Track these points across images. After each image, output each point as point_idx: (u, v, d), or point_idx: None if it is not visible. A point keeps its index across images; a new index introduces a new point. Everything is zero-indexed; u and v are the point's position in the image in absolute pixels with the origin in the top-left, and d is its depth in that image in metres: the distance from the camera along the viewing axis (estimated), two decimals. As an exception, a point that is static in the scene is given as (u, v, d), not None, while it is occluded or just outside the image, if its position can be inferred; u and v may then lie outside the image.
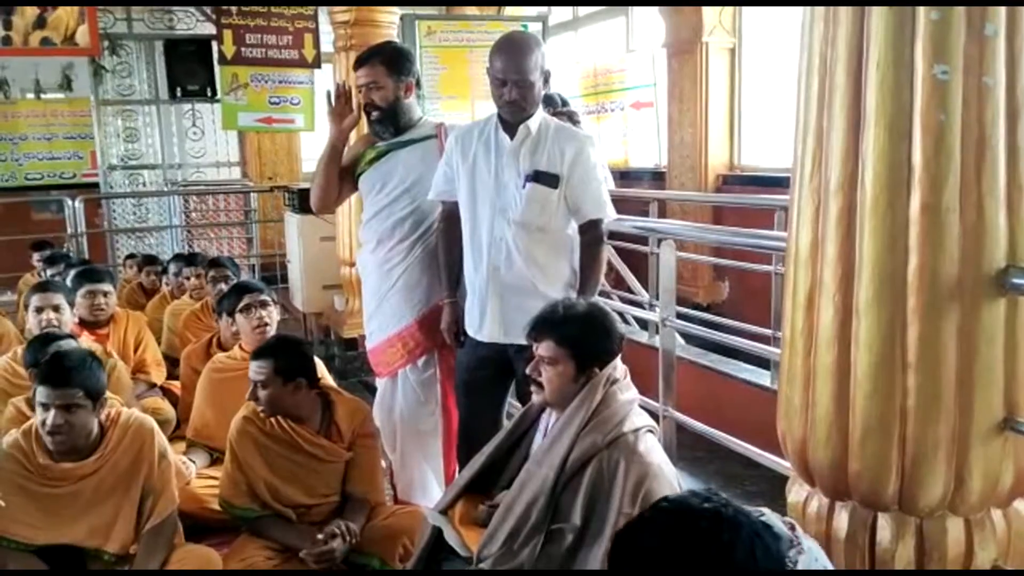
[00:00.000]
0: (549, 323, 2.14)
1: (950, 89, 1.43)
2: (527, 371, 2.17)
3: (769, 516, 1.32)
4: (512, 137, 2.64)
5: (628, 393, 2.14)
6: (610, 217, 2.75)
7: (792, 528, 1.37)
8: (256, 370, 2.68)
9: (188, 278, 4.76)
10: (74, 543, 2.42)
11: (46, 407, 2.35)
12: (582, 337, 2.10)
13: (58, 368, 2.40)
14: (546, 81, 2.64)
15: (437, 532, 2.24)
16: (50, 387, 2.35)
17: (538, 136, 2.65)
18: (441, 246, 2.91)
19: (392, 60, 2.96)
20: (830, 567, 1.39)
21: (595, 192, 2.69)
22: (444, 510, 2.29)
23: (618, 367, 2.16)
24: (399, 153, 3.00)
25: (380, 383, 3.21)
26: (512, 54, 2.57)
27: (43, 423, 2.36)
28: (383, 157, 3.02)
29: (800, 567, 1.30)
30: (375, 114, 2.97)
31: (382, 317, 3.08)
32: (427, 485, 3.16)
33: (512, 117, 2.63)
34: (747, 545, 1.15)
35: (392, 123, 2.98)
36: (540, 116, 2.68)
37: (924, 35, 1.43)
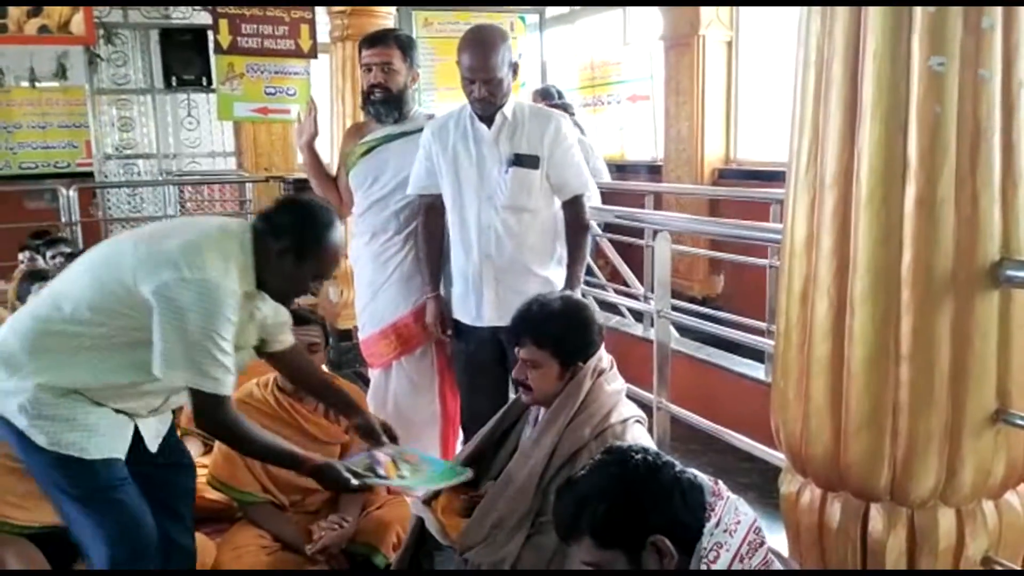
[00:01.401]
0: (527, 326, 2.13)
1: (946, 81, 1.43)
2: (512, 375, 2.17)
3: (697, 472, 1.48)
4: (489, 126, 2.67)
5: (615, 384, 2.15)
6: (591, 189, 2.82)
7: (716, 482, 1.47)
8: (312, 334, 2.72)
9: None
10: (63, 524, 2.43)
11: None
12: (561, 335, 2.09)
13: None
14: (515, 73, 2.68)
15: (422, 522, 2.24)
16: None
17: (514, 121, 2.69)
18: (421, 240, 2.92)
19: (406, 46, 2.98)
20: (750, 514, 1.44)
21: (576, 168, 2.75)
22: (428, 500, 2.29)
23: (603, 357, 2.16)
24: (390, 146, 3.00)
25: (373, 374, 3.21)
26: (478, 52, 2.60)
27: None
28: (373, 150, 3.02)
29: (717, 511, 1.40)
30: (379, 94, 2.96)
31: (376, 309, 3.08)
32: None
33: (483, 112, 2.67)
34: (671, 472, 1.42)
35: (397, 109, 2.99)
36: (513, 101, 2.71)
37: (921, 27, 1.43)
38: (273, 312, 2.16)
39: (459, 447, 3.11)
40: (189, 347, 1.86)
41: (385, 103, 2.97)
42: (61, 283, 2.02)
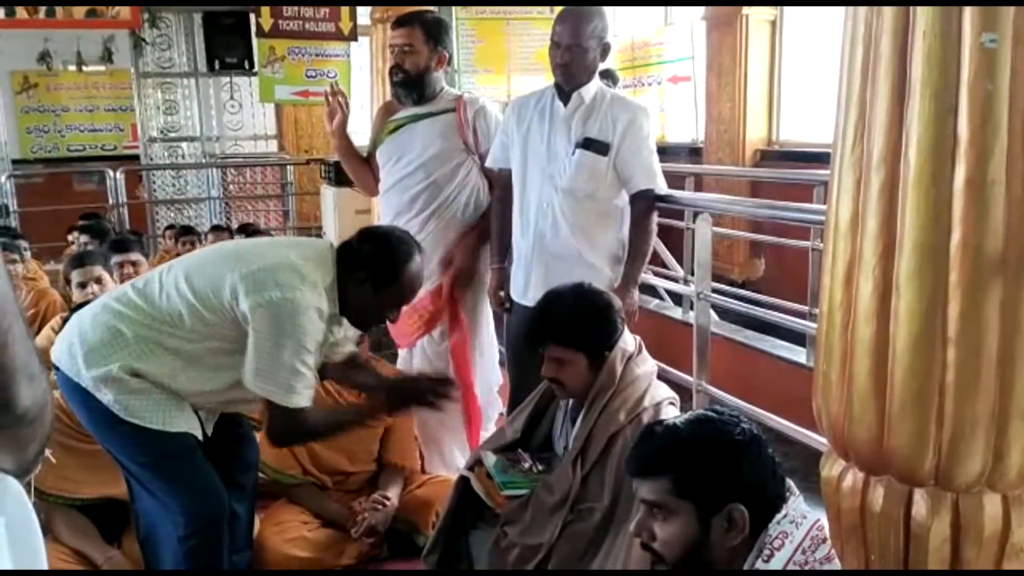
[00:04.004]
0: (547, 327, 2.11)
1: (998, 59, 1.39)
2: (542, 373, 2.16)
3: None
4: (566, 105, 2.66)
5: (645, 366, 2.14)
6: (660, 189, 2.74)
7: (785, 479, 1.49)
8: None
9: None
10: (114, 496, 2.49)
11: None
12: (583, 329, 2.08)
13: None
14: (604, 54, 2.67)
15: (460, 497, 2.27)
16: None
17: (592, 105, 2.67)
18: (494, 212, 2.96)
19: (431, 27, 2.97)
20: (813, 512, 1.45)
21: (646, 162, 2.69)
22: (472, 466, 2.32)
23: (629, 341, 2.14)
24: (417, 126, 3.00)
25: (400, 354, 3.24)
26: (571, 19, 2.61)
27: None
28: (400, 129, 3.03)
29: (787, 505, 1.42)
30: (400, 76, 2.97)
31: None
32: (447, 459, 3.15)
33: (563, 81, 2.66)
34: (767, 450, 1.44)
35: (417, 90, 2.98)
36: (596, 85, 2.70)
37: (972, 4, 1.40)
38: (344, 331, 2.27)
39: (483, 435, 3.11)
40: (279, 362, 1.99)
41: (404, 84, 2.98)
42: (153, 284, 2.10)
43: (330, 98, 3.17)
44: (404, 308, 3.06)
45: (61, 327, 2.91)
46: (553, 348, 2.08)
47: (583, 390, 2.11)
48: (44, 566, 0.79)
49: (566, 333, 2.07)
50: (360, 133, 3.35)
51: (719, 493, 1.39)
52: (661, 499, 1.41)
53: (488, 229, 3.01)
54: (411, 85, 2.97)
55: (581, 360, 2.07)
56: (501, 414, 3.25)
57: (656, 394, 2.08)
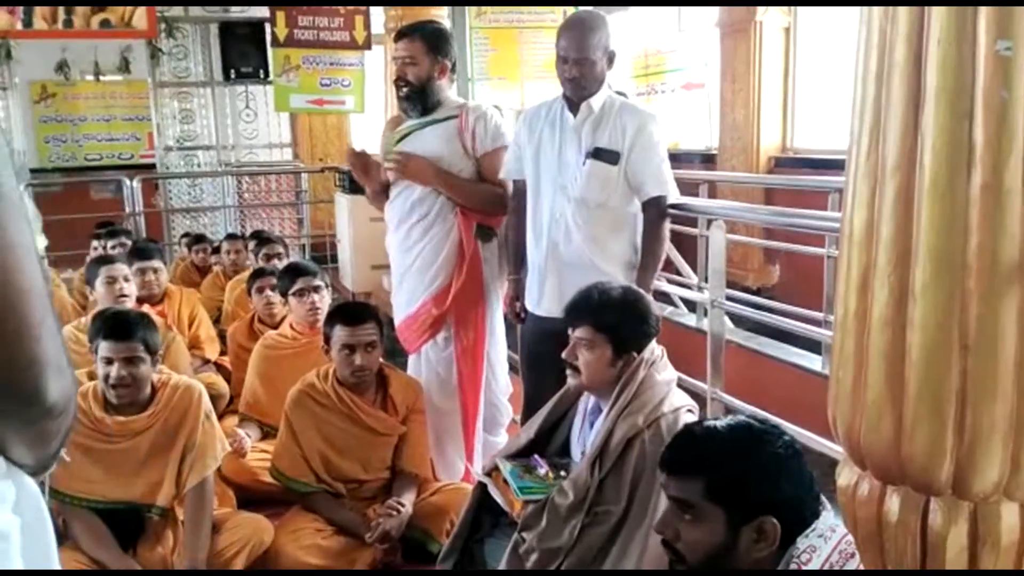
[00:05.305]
0: (586, 308, 2.15)
1: (1014, 66, 1.39)
2: (563, 355, 2.18)
3: None
4: (575, 115, 2.66)
5: (666, 373, 2.16)
6: (672, 195, 2.74)
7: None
8: (369, 332, 2.80)
9: (228, 252, 4.89)
10: (130, 499, 2.50)
11: (109, 361, 2.46)
12: (619, 322, 2.12)
13: (120, 324, 2.51)
14: (611, 62, 2.67)
15: (477, 504, 2.29)
16: (114, 341, 2.46)
17: (601, 114, 2.68)
18: (509, 223, 2.98)
19: (431, 38, 2.96)
20: (842, 526, 1.44)
21: (656, 169, 2.69)
22: (490, 471, 2.34)
23: (655, 348, 2.17)
24: (422, 133, 3.01)
25: (410, 360, 3.25)
26: (575, 32, 2.62)
27: (107, 377, 2.46)
28: (406, 138, 3.04)
29: (818, 521, 1.40)
30: (404, 90, 2.98)
31: (402, 296, 3.13)
32: (449, 464, 3.16)
33: (573, 94, 2.67)
34: (799, 460, 1.43)
35: (420, 101, 2.99)
36: (604, 94, 2.71)
37: (988, 9, 1.39)
38: None
39: (477, 443, 3.11)
40: None
41: (408, 98, 2.99)
42: None
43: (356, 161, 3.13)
44: (408, 314, 3.07)
45: (86, 326, 2.89)
46: (584, 328, 2.12)
47: (597, 383, 2.13)
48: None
49: (602, 316, 2.11)
50: (372, 141, 3.34)
51: (753, 503, 1.36)
52: (692, 499, 1.39)
53: (492, 232, 3.03)
54: (414, 97, 2.98)
55: (606, 349, 2.10)
56: (514, 420, 3.25)
57: (675, 401, 2.10)
